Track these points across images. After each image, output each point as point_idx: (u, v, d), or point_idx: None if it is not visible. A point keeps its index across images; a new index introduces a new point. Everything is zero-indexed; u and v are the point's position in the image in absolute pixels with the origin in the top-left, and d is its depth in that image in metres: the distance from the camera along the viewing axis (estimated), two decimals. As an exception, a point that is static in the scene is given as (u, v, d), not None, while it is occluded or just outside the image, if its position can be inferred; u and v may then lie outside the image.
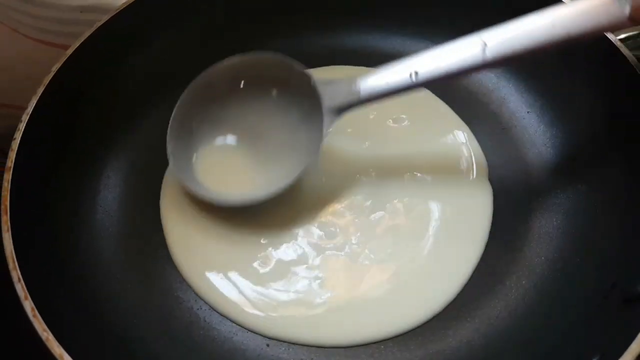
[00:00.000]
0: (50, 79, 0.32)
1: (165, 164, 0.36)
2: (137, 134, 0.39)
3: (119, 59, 0.38)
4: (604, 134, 0.34)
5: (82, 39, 0.34)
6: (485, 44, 0.29)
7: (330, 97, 0.33)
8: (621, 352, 0.24)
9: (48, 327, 0.25)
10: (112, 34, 0.36)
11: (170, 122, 0.35)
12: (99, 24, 0.35)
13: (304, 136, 0.35)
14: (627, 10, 0.26)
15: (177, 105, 0.36)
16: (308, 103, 0.34)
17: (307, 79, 0.33)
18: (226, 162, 0.36)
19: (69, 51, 0.34)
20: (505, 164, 0.37)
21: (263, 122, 0.37)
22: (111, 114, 0.37)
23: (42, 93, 0.32)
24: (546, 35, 0.28)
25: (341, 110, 0.33)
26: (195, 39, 0.41)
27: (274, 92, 0.36)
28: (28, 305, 0.25)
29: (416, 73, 0.30)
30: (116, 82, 0.38)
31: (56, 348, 0.24)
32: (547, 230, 0.34)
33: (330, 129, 0.33)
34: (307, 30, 0.43)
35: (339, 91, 0.33)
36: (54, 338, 0.25)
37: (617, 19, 0.26)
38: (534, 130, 0.38)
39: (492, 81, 0.41)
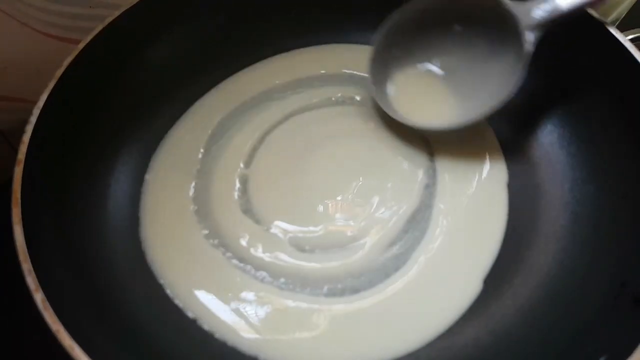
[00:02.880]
0: (61, 72, 0.32)
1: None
2: (148, 128, 0.39)
3: (130, 53, 0.38)
4: (614, 133, 0.34)
5: (94, 33, 0.34)
6: None
7: (525, 15, 0.33)
8: (630, 352, 0.24)
9: (59, 319, 0.25)
10: (124, 28, 0.36)
11: (370, 52, 0.38)
12: (111, 18, 0.35)
13: (500, 65, 0.36)
14: None
15: (376, 37, 0.38)
16: (500, 29, 0.35)
17: (499, 5, 0.34)
18: (420, 90, 0.39)
19: (81, 45, 0.34)
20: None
21: (455, 54, 0.38)
22: (122, 108, 0.37)
23: (54, 87, 0.32)
24: None
25: (541, 26, 0.33)
26: (207, 33, 0.41)
27: (462, 24, 0.38)
28: (39, 297, 0.25)
29: None
30: (128, 76, 0.38)
31: (67, 340, 0.24)
32: (555, 229, 0.34)
33: (533, 48, 0.33)
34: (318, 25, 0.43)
35: (534, 6, 0.33)
36: (65, 330, 0.25)
37: None
38: (541, 130, 0.38)
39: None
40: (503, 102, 0.34)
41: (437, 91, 0.39)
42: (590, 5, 0.33)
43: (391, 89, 0.39)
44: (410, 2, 0.37)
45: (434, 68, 0.39)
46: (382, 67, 0.39)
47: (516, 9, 0.34)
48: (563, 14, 0.33)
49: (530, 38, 0.33)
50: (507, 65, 0.35)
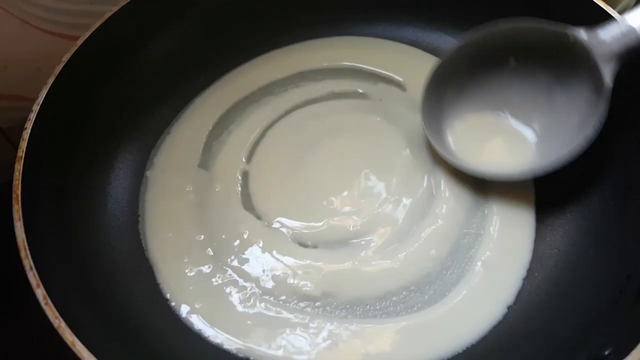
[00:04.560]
0: (60, 69, 0.33)
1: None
2: (148, 124, 0.39)
3: (129, 49, 0.38)
4: (618, 123, 0.33)
5: (92, 30, 0.34)
6: None
7: (600, 45, 0.30)
8: (635, 344, 0.24)
9: (60, 314, 0.25)
10: (122, 24, 0.36)
11: (422, 98, 0.36)
12: (109, 14, 0.35)
13: (574, 103, 0.33)
14: None
15: (426, 83, 0.35)
16: (567, 61, 0.32)
17: (564, 36, 0.31)
18: (480, 136, 0.36)
19: (79, 41, 0.34)
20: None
21: (516, 95, 0.35)
22: (122, 104, 0.37)
23: (53, 83, 0.32)
24: None
25: (620, 55, 0.30)
26: (207, 28, 0.41)
27: (524, 60, 0.35)
28: (40, 293, 0.26)
29: None
30: (127, 72, 0.38)
31: (68, 335, 0.25)
32: (560, 222, 0.34)
33: (611, 82, 0.30)
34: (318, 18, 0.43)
35: (609, 36, 0.30)
36: (66, 325, 0.25)
37: None
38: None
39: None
40: (584, 145, 0.31)
41: (504, 137, 0.36)
42: None
43: (450, 136, 0.36)
44: (459, 45, 0.35)
45: (494, 111, 0.36)
46: (436, 113, 0.36)
47: (588, 39, 0.30)
48: None
49: (607, 70, 0.30)
50: (583, 102, 0.32)
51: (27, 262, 0.26)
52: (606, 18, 0.32)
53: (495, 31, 0.34)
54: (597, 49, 0.31)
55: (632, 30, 0.30)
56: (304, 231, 0.35)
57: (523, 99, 0.35)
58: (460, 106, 0.37)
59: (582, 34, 0.31)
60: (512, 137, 0.36)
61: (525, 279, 0.32)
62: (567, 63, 0.33)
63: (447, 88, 0.36)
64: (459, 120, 0.37)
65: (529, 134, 0.35)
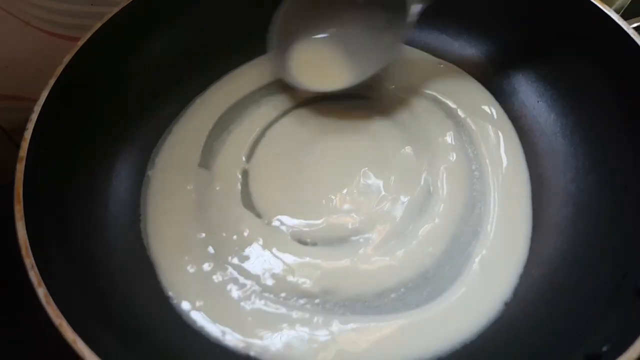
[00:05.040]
0: (61, 70, 0.33)
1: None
2: (149, 124, 0.39)
3: (130, 50, 0.38)
4: (615, 124, 0.34)
5: (93, 30, 0.35)
6: None
7: None
8: (631, 342, 0.24)
9: (61, 313, 0.25)
10: (123, 25, 0.36)
11: (271, 25, 0.39)
12: (110, 15, 0.35)
13: (389, 34, 0.39)
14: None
15: (278, 11, 0.39)
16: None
17: None
18: (316, 58, 0.41)
19: (80, 42, 0.34)
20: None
21: (351, 23, 0.41)
22: (123, 106, 0.38)
23: (54, 84, 0.32)
24: None
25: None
26: (207, 28, 0.41)
27: None
28: (41, 291, 0.26)
29: None
30: (127, 73, 0.38)
31: (70, 334, 0.25)
32: (557, 220, 0.34)
33: (414, 19, 0.36)
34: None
35: None
36: (67, 324, 0.25)
37: None
38: (544, 119, 0.38)
39: (501, 70, 0.40)
40: (385, 65, 0.39)
41: (331, 59, 0.41)
42: None
43: (291, 59, 0.41)
44: None
45: (329, 37, 0.42)
46: (283, 39, 0.40)
47: None
48: None
49: (414, 10, 0.36)
50: (396, 34, 0.38)
51: (29, 261, 0.27)
52: (603, 18, 0.32)
53: None
54: None
55: None
56: (304, 229, 0.35)
57: (358, 31, 0.41)
58: (303, 36, 0.41)
59: None
60: (336, 61, 0.41)
61: (522, 277, 0.32)
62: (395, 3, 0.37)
63: (296, 20, 0.40)
64: (300, 47, 0.41)
65: (350, 59, 0.40)
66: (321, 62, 0.41)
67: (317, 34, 0.41)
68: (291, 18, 0.40)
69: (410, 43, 0.43)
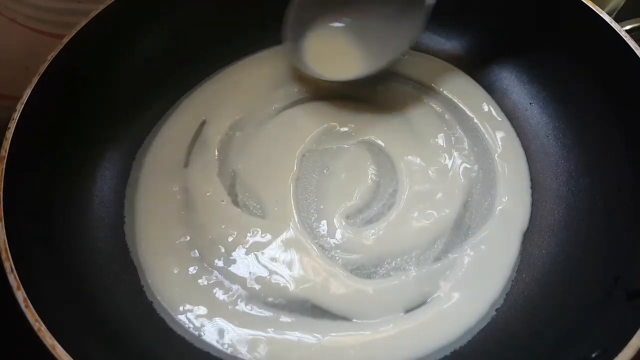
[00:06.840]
0: (45, 67, 0.32)
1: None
2: (134, 124, 0.38)
3: (115, 48, 0.37)
4: (608, 126, 0.33)
5: (77, 28, 0.34)
6: None
7: None
8: (622, 346, 0.24)
9: (40, 318, 0.25)
10: (109, 23, 0.35)
11: (286, 13, 0.39)
12: (95, 12, 0.35)
13: (405, 23, 0.38)
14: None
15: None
16: None
17: None
18: (331, 47, 0.40)
19: (65, 40, 0.33)
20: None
21: (367, 12, 0.40)
22: (108, 104, 0.37)
23: (37, 82, 0.32)
24: None
25: None
26: (194, 27, 0.40)
27: None
28: (20, 295, 0.25)
29: None
30: (112, 72, 0.37)
31: (48, 339, 0.24)
32: (549, 223, 0.34)
33: (429, 10, 0.35)
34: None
35: None
36: (46, 329, 0.24)
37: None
38: (536, 121, 0.38)
39: (494, 72, 0.40)
40: (401, 53, 0.38)
41: (346, 48, 0.40)
42: None
43: (306, 48, 0.40)
44: None
45: (344, 26, 0.41)
46: (298, 28, 0.40)
47: None
48: None
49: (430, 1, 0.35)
50: (412, 23, 0.37)
51: (8, 264, 0.26)
52: (594, 20, 0.32)
53: None
54: None
55: None
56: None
57: (373, 20, 0.40)
58: (318, 24, 0.41)
59: None
60: (351, 50, 0.40)
61: (513, 281, 0.32)
62: None
63: (311, 9, 0.40)
64: (314, 36, 0.41)
65: (366, 47, 0.40)
66: (336, 51, 0.40)
67: (333, 23, 0.41)
68: (307, 6, 0.39)
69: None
